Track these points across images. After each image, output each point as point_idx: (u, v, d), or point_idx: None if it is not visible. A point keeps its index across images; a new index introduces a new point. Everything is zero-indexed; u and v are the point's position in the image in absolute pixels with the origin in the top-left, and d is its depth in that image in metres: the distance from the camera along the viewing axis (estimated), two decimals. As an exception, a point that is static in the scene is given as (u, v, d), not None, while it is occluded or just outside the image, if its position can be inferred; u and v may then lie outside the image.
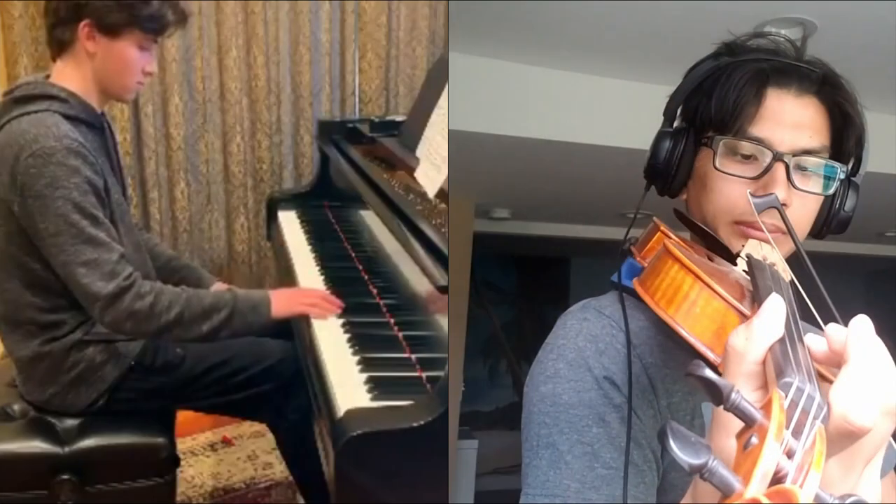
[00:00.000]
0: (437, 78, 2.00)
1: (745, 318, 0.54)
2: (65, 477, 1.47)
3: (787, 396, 0.42)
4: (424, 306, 1.46)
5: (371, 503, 1.19)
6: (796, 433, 0.41)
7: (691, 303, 0.56)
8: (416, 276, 1.44)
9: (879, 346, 0.50)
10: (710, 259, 0.73)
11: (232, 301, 1.48)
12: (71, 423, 1.53)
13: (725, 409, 0.43)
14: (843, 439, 0.45)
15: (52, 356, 1.51)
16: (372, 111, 2.96)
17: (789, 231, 0.64)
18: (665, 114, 0.91)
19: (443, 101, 1.75)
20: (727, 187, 0.83)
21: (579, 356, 0.81)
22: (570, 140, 2.64)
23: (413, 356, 1.43)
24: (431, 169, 1.66)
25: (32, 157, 1.37)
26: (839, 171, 0.87)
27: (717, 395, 0.43)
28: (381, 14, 2.91)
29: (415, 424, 1.15)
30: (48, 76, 1.53)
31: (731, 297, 0.54)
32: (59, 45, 1.51)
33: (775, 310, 0.50)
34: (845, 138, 0.89)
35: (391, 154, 2.02)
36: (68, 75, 1.51)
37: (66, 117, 1.45)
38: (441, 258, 1.35)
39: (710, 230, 0.83)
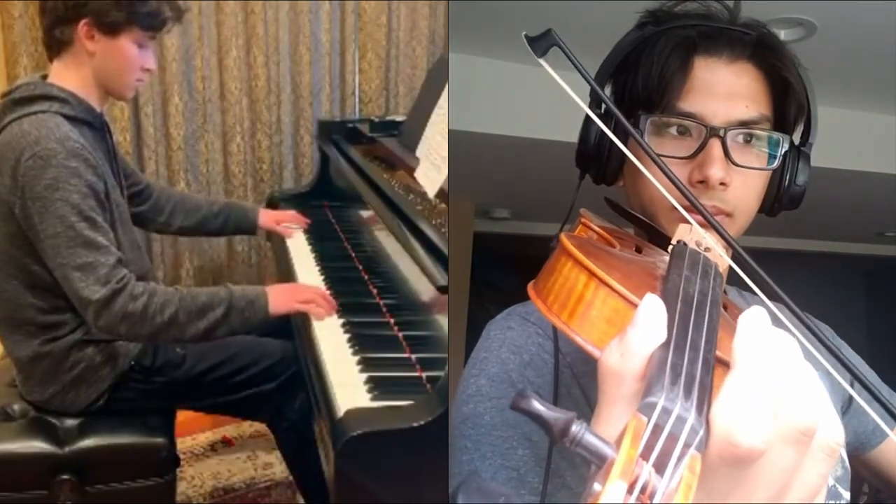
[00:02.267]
0: (437, 78, 2.00)
1: None
2: (65, 477, 1.47)
3: (650, 420, 0.34)
4: (424, 306, 1.46)
5: (371, 503, 1.19)
6: (659, 466, 0.33)
7: (587, 304, 0.46)
8: (416, 276, 1.44)
9: (778, 347, 0.39)
10: (639, 251, 0.65)
11: (228, 298, 1.47)
12: (71, 423, 1.53)
13: (568, 447, 0.35)
14: (730, 468, 0.36)
15: (52, 356, 1.51)
16: (372, 111, 2.96)
17: (703, 214, 0.53)
18: (591, 95, 0.82)
19: (443, 101, 1.75)
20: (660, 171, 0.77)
21: (502, 370, 0.75)
22: (571, 140, 2.63)
23: (413, 356, 1.43)
24: (431, 169, 1.66)
25: (34, 158, 1.37)
26: (783, 142, 0.78)
27: (550, 432, 0.35)
28: (381, 14, 2.91)
29: (415, 424, 1.15)
30: (45, 76, 1.53)
31: (630, 294, 0.44)
32: (58, 46, 1.50)
33: (650, 314, 0.41)
34: (786, 105, 0.80)
35: (391, 154, 2.02)
36: (68, 75, 1.51)
37: (67, 118, 1.45)
38: (441, 258, 1.35)
39: (650, 218, 0.76)
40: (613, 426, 0.38)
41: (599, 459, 0.34)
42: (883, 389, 1.00)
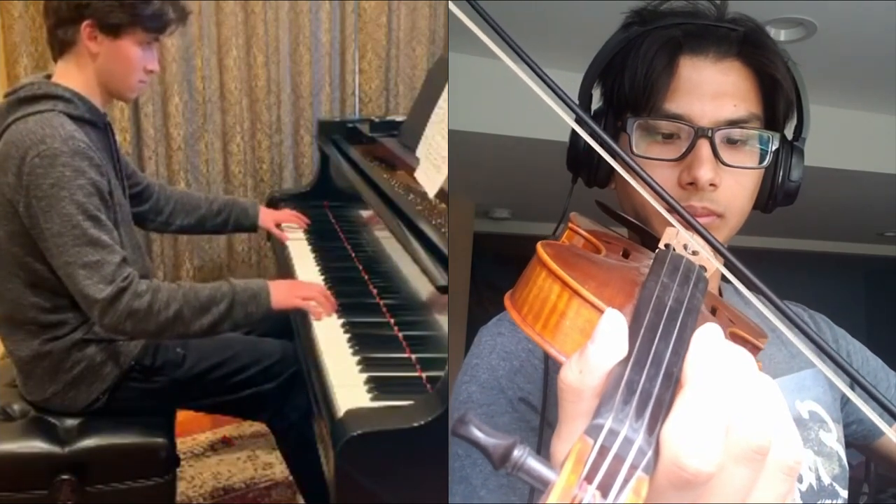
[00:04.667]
0: (437, 78, 2.00)
1: None
2: (65, 477, 1.47)
3: (596, 442, 0.34)
4: (424, 306, 1.46)
5: (371, 503, 1.19)
6: (604, 489, 0.32)
7: (560, 315, 0.45)
8: (416, 276, 1.44)
9: (730, 364, 0.38)
10: (627, 255, 0.64)
11: (231, 292, 1.47)
12: (71, 423, 1.53)
13: (510, 473, 0.34)
14: (679, 490, 0.34)
15: (52, 355, 1.51)
16: (372, 111, 2.96)
17: (686, 218, 0.50)
18: (579, 97, 0.82)
19: (443, 101, 1.75)
20: (650, 173, 0.68)
21: (492, 377, 0.74)
22: (570, 140, 2.63)
23: (413, 356, 1.43)
24: (431, 169, 1.66)
25: (39, 157, 1.37)
26: (773, 139, 0.77)
27: (489, 458, 0.34)
28: (381, 14, 2.91)
29: (415, 424, 1.15)
30: (49, 76, 1.53)
31: (603, 304, 0.44)
32: (61, 46, 1.51)
33: (610, 329, 0.40)
34: (776, 103, 0.78)
35: (391, 154, 2.02)
36: (71, 75, 1.51)
37: (71, 118, 1.45)
38: (441, 258, 1.35)
39: (643, 221, 0.75)
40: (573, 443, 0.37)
41: (543, 484, 0.33)
42: (890, 378, 0.99)
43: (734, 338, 0.58)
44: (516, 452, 0.34)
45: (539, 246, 0.49)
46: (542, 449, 0.65)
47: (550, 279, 0.47)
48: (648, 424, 0.35)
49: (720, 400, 0.36)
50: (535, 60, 0.54)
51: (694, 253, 0.56)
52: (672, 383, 0.38)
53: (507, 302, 0.51)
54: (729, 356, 0.38)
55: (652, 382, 0.37)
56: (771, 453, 0.36)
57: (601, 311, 0.43)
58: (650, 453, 0.34)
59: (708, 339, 0.39)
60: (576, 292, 0.45)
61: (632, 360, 0.38)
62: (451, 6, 0.49)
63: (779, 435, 0.36)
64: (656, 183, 0.51)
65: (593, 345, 0.39)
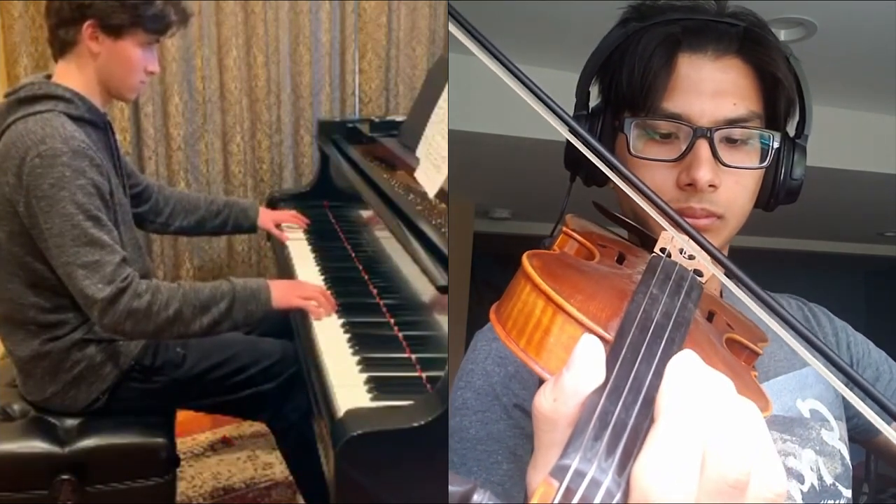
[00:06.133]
0: (437, 78, 2.00)
1: (608, 342, 0.42)
2: (65, 477, 1.47)
3: (561, 485, 0.32)
4: (424, 306, 1.46)
5: (371, 503, 1.19)
6: None
7: (544, 331, 0.43)
8: (416, 276, 1.44)
9: (706, 393, 0.36)
10: (622, 260, 0.62)
11: (231, 291, 1.47)
12: (71, 423, 1.53)
13: None
14: None
15: (52, 355, 1.51)
16: (372, 111, 2.96)
17: (679, 223, 0.48)
18: (576, 95, 0.81)
19: (443, 101, 1.75)
20: (648, 174, 0.71)
21: (486, 383, 0.74)
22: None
23: (413, 356, 1.43)
24: (431, 169, 1.66)
25: (39, 157, 1.37)
26: (773, 139, 0.75)
27: None
28: (381, 14, 2.91)
29: (415, 424, 1.14)
30: (49, 76, 1.53)
31: (588, 321, 0.42)
32: (62, 46, 1.51)
33: (586, 356, 0.38)
34: (776, 101, 0.76)
35: (391, 154, 2.02)
36: (72, 75, 1.51)
37: (72, 118, 1.45)
38: (441, 258, 1.35)
39: (641, 222, 0.72)
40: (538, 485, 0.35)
41: None
42: (893, 371, 0.98)
43: (731, 344, 0.57)
44: (475, 498, 0.33)
45: (525, 257, 0.48)
46: None
47: (535, 293, 0.45)
48: (620, 461, 0.33)
49: (695, 432, 0.34)
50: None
51: (690, 257, 0.55)
52: (652, 409, 0.36)
53: (492, 316, 0.49)
54: (706, 384, 0.36)
55: (629, 411, 0.35)
56: (750, 486, 0.34)
57: (586, 328, 0.42)
58: (619, 495, 0.32)
59: (683, 368, 0.37)
60: (560, 307, 0.43)
61: (609, 386, 0.37)
62: (452, 28, 0.49)
63: (759, 466, 0.34)
64: (647, 187, 0.49)
65: (568, 372, 0.37)
